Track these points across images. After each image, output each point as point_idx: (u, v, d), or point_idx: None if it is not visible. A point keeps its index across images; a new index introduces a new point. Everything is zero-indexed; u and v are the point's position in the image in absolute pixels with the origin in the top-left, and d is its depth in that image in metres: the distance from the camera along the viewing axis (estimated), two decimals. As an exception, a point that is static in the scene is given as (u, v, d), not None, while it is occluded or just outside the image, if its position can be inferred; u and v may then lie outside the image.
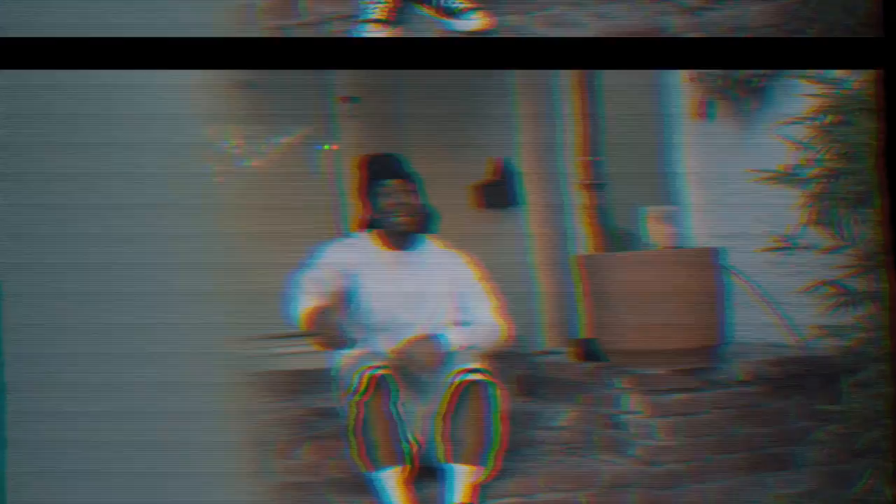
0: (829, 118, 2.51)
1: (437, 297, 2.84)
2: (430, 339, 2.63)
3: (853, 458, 2.58)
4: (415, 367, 2.56)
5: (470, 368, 2.56)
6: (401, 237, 2.81)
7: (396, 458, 2.51)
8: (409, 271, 2.83)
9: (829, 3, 2.31)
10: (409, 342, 2.60)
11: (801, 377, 2.91)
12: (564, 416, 3.17)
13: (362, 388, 2.48)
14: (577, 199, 4.95)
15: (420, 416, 2.68)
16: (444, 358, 2.57)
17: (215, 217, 6.06)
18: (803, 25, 2.38)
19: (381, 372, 2.50)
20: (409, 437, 2.57)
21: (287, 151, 6.29)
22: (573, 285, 4.83)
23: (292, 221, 5.83)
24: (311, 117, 6.16)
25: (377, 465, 2.47)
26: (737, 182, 3.55)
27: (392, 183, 2.78)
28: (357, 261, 2.78)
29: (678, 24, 2.31)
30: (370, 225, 2.88)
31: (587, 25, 2.31)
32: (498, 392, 2.62)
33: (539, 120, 5.38)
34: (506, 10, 2.43)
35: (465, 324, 2.79)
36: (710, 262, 2.85)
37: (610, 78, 4.88)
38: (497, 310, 2.84)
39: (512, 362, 4.09)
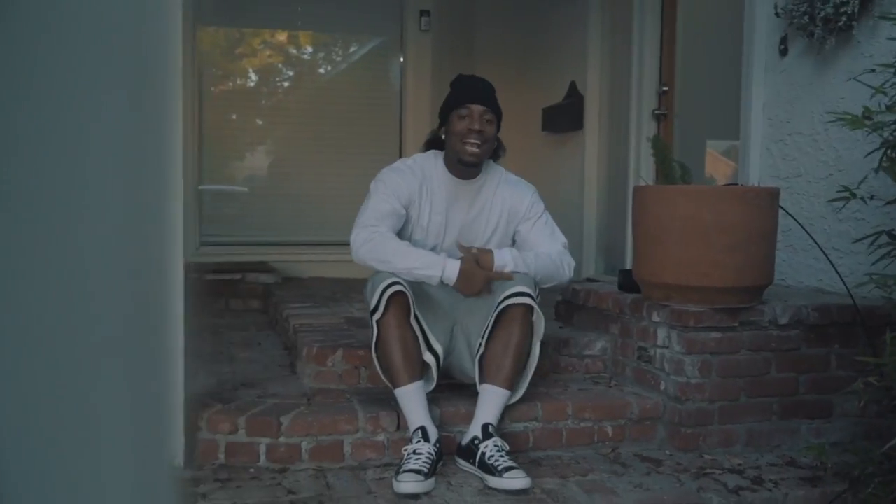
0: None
1: (497, 222, 2.81)
2: (491, 253, 2.66)
3: (889, 413, 2.52)
4: (471, 274, 2.59)
5: (516, 292, 2.55)
6: (467, 164, 2.72)
7: (419, 373, 2.55)
8: (469, 198, 2.80)
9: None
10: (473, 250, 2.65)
11: (844, 326, 2.83)
12: (598, 345, 3.16)
13: (383, 305, 2.50)
14: (643, 128, 4.84)
15: (448, 327, 2.70)
16: (497, 274, 2.60)
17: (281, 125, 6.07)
18: None
19: (400, 287, 2.51)
20: (436, 348, 2.60)
21: (358, 62, 6.29)
22: (626, 215, 4.76)
23: (360, 132, 5.86)
24: (384, 29, 6.13)
25: (401, 382, 2.51)
26: (805, 122, 3.42)
27: (474, 107, 2.69)
28: (419, 183, 2.74)
29: (719, 503, 2.36)
30: (440, 144, 2.81)
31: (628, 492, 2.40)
32: (540, 321, 2.63)
33: (613, 46, 5.23)
34: (544, 474, 2.50)
35: (529, 252, 2.76)
36: (765, 203, 2.75)
37: (690, 5, 4.70)
38: (566, 249, 2.83)
39: (552, 287, 4.07)
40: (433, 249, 2.75)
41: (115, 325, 0.51)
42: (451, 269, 2.58)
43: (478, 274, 2.60)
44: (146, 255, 0.53)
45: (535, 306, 2.58)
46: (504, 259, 2.64)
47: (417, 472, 2.30)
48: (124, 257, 0.50)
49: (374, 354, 2.59)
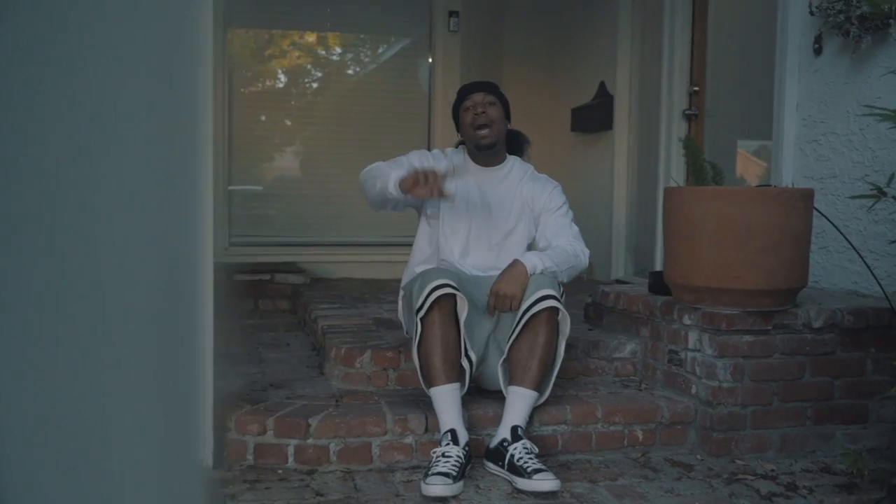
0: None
1: (518, 214, 2.86)
2: (515, 273, 2.62)
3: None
4: (501, 301, 2.59)
5: (542, 296, 2.53)
6: (487, 153, 2.86)
7: (457, 375, 2.54)
8: (493, 185, 2.88)
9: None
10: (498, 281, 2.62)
11: (880, 329, 2.78)
12: (628, 347, 3.13)
13: (430, 305, 2.49)
14: (673, 128, 4.79)
15: (484, 337, 2.69)
16: (525, 284, 2.58)
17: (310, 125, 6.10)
18: None
19: (449, 290, 2.50)
20: (471, 355, 2.58)
21: (387, 63, 6.29)
22: (656, 216, 4.72)
23: (389, 133, 5.85)
24: (412, 30, 6.12)
25: (438, 382, 2.50)
26: (840, 122, 3.36)
27: (475, 96, 2.85)
28: (447, 164, 2.87)
29: None
30: (460, 143, 3.00)
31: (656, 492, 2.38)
32: (565, 320, 2.60)
33: (643, 46, 5.19)
34: (573, 478, 2.50)
35: (547, 247, 2.79)
36: (798, 204, 2.70)
37: (721, 5, 4.65)
38: (579, 237, 2.83)
39: (582, 288, 4.05)
40: (458, 231, 2.84)
41: (144, 324, 0.50)
42: (397, 174, 2.64)
43: (422, 176, 2.55)
44: (176, 254, 0.52)
45: (561, 307, 2.56)
46: (532, 262, 2.63)
47: (446, 475, 2.29)
48: (154, 257, 0.49)
49: (414, 352, 2.57)
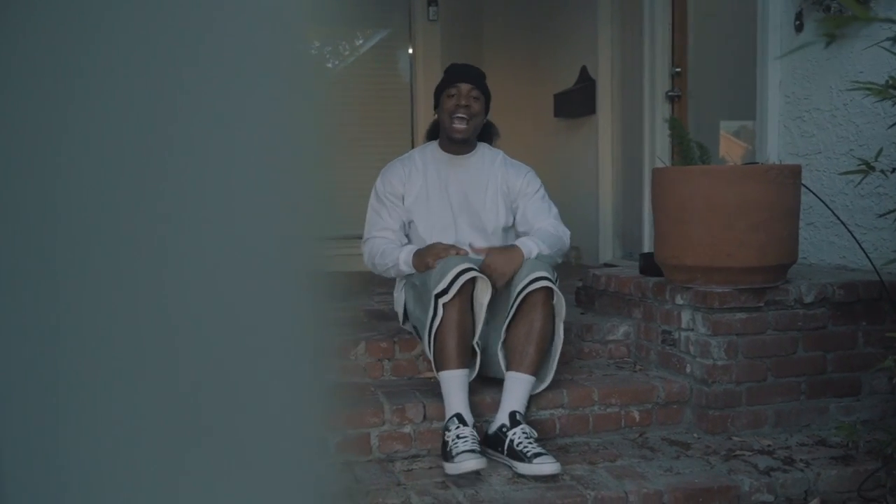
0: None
1: (493, 197, 2.87)
2: (503, 250, 2.66)
3: (920, 389, 2.50)
4: (491, 274, 2.59)
5: (536, 277, 2.55)
6: (456, 141, 2.85)
7: (468, 361, 2.55)
8: (465, 172, 2.88)
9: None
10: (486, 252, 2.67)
11: (870, 302, 2.80)
12: (621, 329, 3.14)
13: (454, 289, 2.48)
14: (657, 110, 4.80)
15: (484, 323, 2.70)
16: (518, 267, 2.59)
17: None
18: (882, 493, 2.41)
19: (474, 274, 2.51)
20: (477, 341, 2.59)
21: (367, 55, 6.26)
22: (642, 199, 4.74)
23: (372, 126, 5.83)
24: (392, 21, 6.09)
25: (450, 366, 2.50)
26: (823, 98, 3.38)
27: (462, 86, 2.82)
28: (408, 171, 2.87)
29: (751, 484, 2.34)
30: (437, 129, 2.95)
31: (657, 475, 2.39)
32: (560, 302, 2.61)
33: (624, 29, 5.19)
34: (573, 460, 2.50)
35: (529, 231, 2.81)
36: (787, 180, 2.71)
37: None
38: (559, 218, 2.84)
39: (572, 273, 4.06)
40: (446, 225, 2.84)
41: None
42: (406, 255, 2.74)
43: (433, 249, 2.67)
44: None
45: (555, 288, 2.57)
46: (528, 247, 2.65)
47: (472, 451, 2.31)
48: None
49: (429, 335, 2.55)
